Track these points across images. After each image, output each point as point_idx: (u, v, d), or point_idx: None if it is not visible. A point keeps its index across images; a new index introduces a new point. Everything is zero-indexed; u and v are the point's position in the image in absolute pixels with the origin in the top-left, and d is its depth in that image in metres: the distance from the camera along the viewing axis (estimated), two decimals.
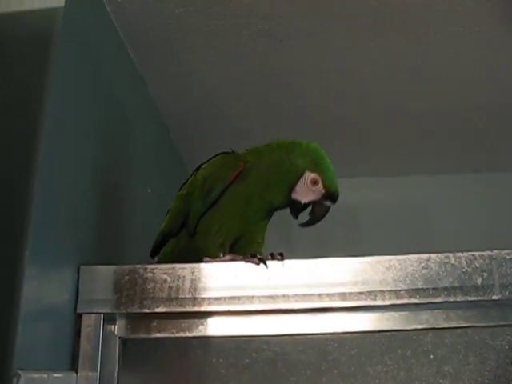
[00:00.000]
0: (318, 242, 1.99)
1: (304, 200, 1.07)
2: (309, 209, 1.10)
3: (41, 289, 0.92)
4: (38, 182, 0.91)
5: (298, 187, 1.06)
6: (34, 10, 1.02)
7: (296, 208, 1.08)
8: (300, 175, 1.06)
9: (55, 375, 0.92)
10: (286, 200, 1.08)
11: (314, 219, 1.09)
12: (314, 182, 1.05)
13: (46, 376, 0.89)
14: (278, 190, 1.07)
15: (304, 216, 1.10)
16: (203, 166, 1.18)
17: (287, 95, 1.79)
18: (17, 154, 0.94)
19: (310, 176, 1.05)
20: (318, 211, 1.08)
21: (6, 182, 0.92)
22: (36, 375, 0.86)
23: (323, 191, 1.06)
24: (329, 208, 1.08)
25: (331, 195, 1.06)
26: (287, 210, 1.11)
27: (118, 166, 1.38)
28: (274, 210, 1.12)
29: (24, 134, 0.95)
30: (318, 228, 1.15)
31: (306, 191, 1.06)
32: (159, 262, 1.21)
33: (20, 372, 0.81)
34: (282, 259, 1.02)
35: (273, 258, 1.03)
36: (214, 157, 1.17)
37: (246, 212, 1.10)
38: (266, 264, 1.01)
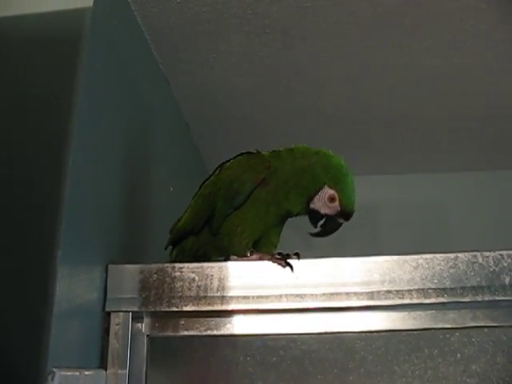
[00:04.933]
0: (336, 240, 1.99)
1: (322, 211, 1.07)
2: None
3: (72, 288, 0.93)
4: (68, 185, 0.93)
5: (315, 199, 1.07)
6: (63, 11, 1.03)
7: (315, 217, 1.09)
8: (319, 189, 1.06)
9: (86, 373, 0.94)
10: (305, 209, 1.09)
11: (325, 232, 1.09)
12: (332, 199, 1.06)
13: (78, 373, 0.90)
14: (297, 199, 1.08)
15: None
16: (227, 165, 1.17)
17: (307, 95, 1.79)
18: (47, 157, 0.95)
19: (328, 192, 1.06)
20: (329, 226, 1.09)
21: (38, 185, 0.94)
22: (69, 373, 0.87)
23: (339, 209, 1.06)
24: (341, 224, 1.09)
25: (346, 214, 1.07)
26: None
27: (142, 165, 1.39)
28: (292, 217, 1.13)
29: (54, 136, 0.96)
30: None
31: (322, 205, 1.07)
32: (176, 258, 1.22)
33: (55, 370, 0.83)
34: (299, 259, 1.03)
35: (288, 258, 1.03)
36: (237, 156, 1.16)
37: (266, 216, 1.10)
38: (291, 268, 1.01)
